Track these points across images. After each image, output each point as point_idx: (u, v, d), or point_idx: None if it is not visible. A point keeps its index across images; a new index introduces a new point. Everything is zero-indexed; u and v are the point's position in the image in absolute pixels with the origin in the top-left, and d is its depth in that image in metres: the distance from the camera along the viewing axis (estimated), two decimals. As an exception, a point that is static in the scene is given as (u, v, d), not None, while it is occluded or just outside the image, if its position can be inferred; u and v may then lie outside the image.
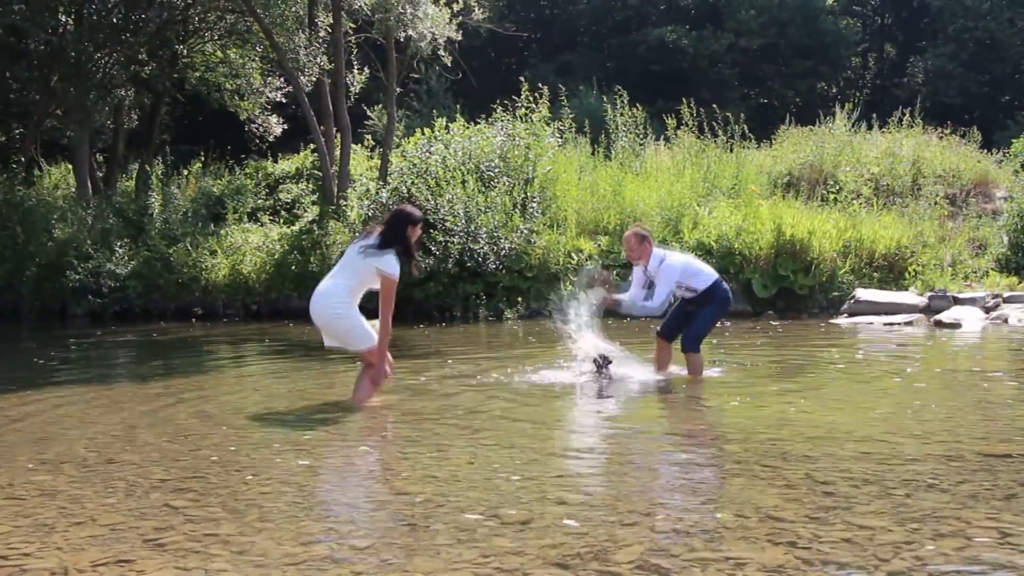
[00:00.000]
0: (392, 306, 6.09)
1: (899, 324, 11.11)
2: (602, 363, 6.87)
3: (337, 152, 17.35)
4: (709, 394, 6.55)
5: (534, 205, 14.08)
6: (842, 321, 11.62)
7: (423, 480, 4.28)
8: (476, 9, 18.55)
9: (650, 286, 6.90)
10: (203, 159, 21.55)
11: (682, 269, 6.86)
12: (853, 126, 17.15)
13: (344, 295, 6.10)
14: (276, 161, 21.70)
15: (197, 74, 20.41)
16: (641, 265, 6.92)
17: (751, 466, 4.36)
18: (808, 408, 5.83)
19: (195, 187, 19.61)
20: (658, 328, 7.35)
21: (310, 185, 19.62)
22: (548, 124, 15.17)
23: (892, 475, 4.12)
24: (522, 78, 15.95)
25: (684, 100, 16.34)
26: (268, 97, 20.82)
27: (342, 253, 6.54)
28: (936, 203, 14.57)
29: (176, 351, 11.16)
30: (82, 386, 7.74)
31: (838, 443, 4.78)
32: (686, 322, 7.04)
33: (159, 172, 18.94)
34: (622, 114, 15.89)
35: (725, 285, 7.12)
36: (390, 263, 6.01)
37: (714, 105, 16.30)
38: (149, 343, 12.09)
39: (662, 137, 16.97)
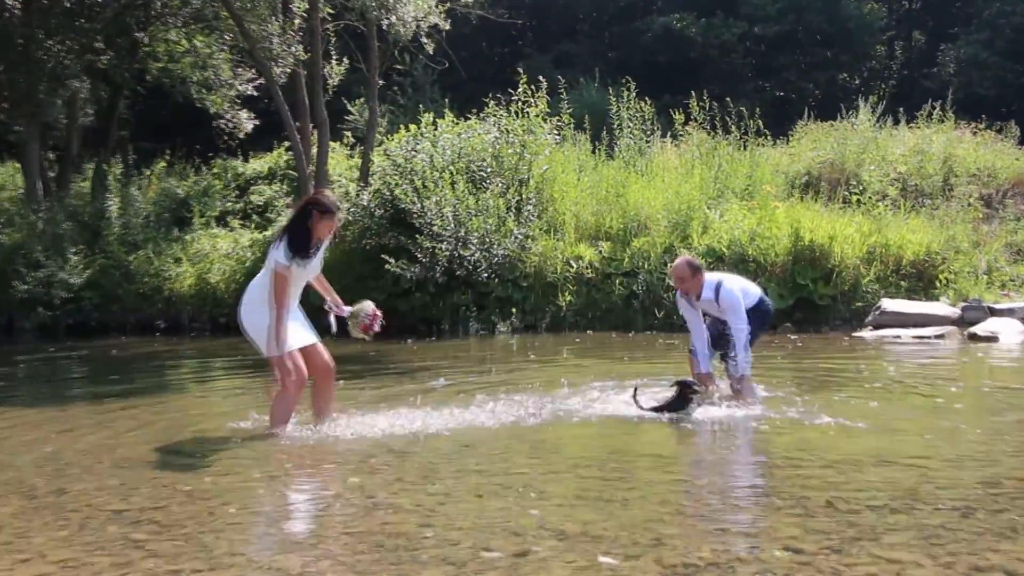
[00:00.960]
0: (280, 300, 5.96)
1: (929, 337, 11.13)
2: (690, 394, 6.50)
3: (314, 150, 17.36)
4: (723, 415, 6.54)
5: (529, 208, 14.11)
6: (867, 334, 11.65)
7: (409, 510, 4.27)
8: (466, -7, 18.60)
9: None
10: (166, 158, 21.53)
11: (742, 292, 7.02)
12: (878, 121, 17.21)
13: (259, 291, 6.12)
14: (247, 160, 21.70)
15: (160, 64, 20.41)
16: (690, 296, 7.05)
17: (768, 493, 4.36)
18: (832, 430, 5.84)
19: (157, 188, 19.59)
20: (689, 347, 7.42)
21: (284, 186, 19.62)
22: (545, 120, 15.21)
23: (923, 503, 4.12)
24: (520, 69, 15.96)
25: (693, 93, 16.40)
26: (238, 90, 20.81)
27: None
28: (969, 204, 14.61)
29: (137, 368, 11.12)
30: (31, 407, 7.71)
31: (864, 468, 4.79)
32: (724, 343, 7.08)
33: (117, 172, 18.91)
34: (628, 108, 15.92)
35: (768, 300, 7.30)
36: (277, 253, 5.99)
37: (727, 99, 16.35)
38: (106, 360, 12.05)
39: (669, 134, 17.00)
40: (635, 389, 6.70)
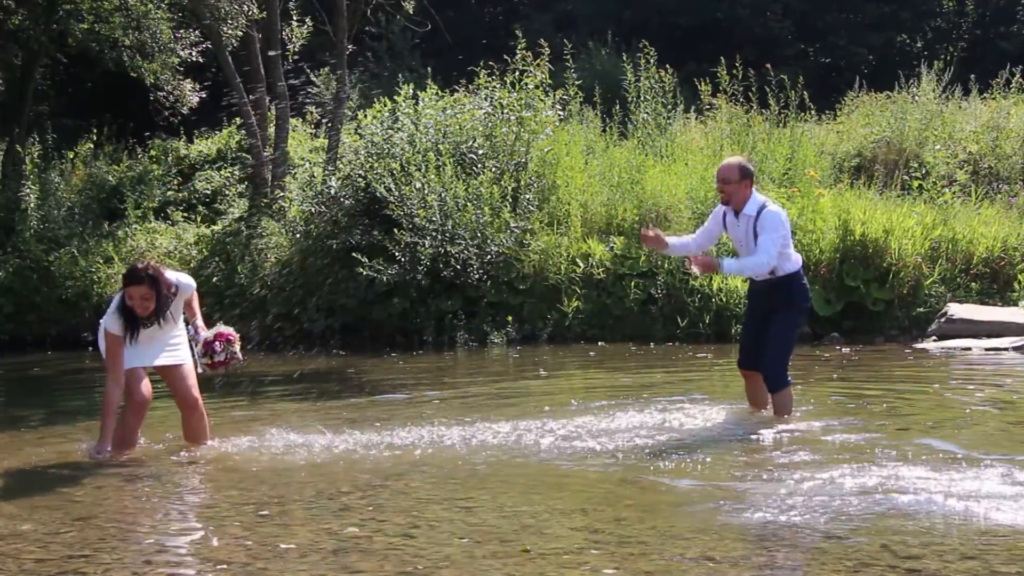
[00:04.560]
0: (111, 367, 6.32)
1: (1006, 349, 11.14)
2: None
3: (271, 129, 17.36)
4: (768, 445, 6.52)
5: (528, 197, 14.12)
6: (930, 345, 11.65)
7: (384, 558, 4.27)
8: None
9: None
10: (94, 138, 21.51)
11: (785, 226, 6.88)
12: (944, 91, 17.21)
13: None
14: (191, 141, 21.69)
15: (84, 25, 20.32)
16: (728, 209, 6.98)
17: (810, 535, 4.36)
18: (893, 461, 5.83)
19: (83, 174, 19.57)
20: (738, 359, 7.41)
21: (236, 172, 19.62)
22: (547, 92, 15.21)
23: (997, 550, 4.12)
24: (516, 32, 15.95)
25: (722, 60, 16.40)
26: (180, 56, 20.78)
27: None
28: (1054, 191, 14.65)
29: (60, 390, 11.10)
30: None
31: (929, 506, 4.80)
32: (763, 347, 7.07)
33: (35, 155, 18.87)
34: (645, 78, 15.90)
35: (805, 280, 7.20)
36: (105, 317, 6.41)
37: (764, 66, 16.37)
38: (23, 380, 12.03)
39: (693, 108, 16.99)
40: None
